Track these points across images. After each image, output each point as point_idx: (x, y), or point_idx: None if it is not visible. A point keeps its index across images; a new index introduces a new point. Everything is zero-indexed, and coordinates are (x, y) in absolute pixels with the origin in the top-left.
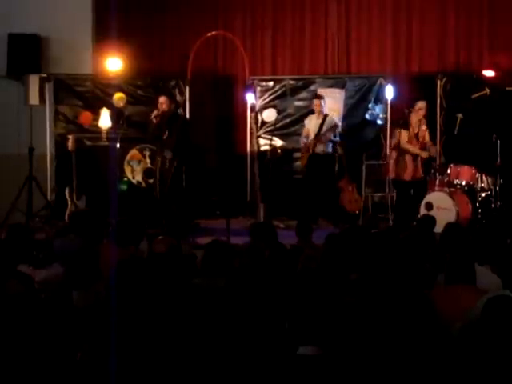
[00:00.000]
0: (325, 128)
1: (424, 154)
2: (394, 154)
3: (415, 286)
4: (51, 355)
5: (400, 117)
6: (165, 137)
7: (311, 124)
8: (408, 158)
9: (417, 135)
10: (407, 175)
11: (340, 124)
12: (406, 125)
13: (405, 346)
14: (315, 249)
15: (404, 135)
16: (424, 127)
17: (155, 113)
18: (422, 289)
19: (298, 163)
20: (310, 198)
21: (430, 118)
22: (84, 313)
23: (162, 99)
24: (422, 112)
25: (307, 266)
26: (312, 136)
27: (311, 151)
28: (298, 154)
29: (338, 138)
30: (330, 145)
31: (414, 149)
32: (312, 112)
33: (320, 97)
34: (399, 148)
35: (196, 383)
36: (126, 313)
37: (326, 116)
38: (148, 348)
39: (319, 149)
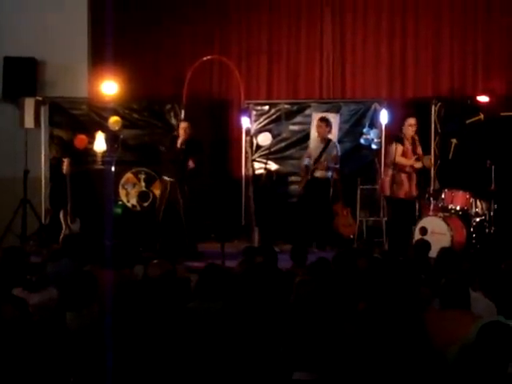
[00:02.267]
0: (325, 155)
1: (418, 165)
2: (390, 172)
3: (410, 312)
4: (45, 379)
5: (394, 134)
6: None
7: (314, 147)
8: (404, 176)
9: (414, 150)
10: (402, 193)
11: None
12: (400, 140)
13: (399, 371)
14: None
15: (399, 149)
16: (418, 144)
17: (182, 139)
18: (417, 313)
19: (293, 187)
20: (305, 222)
21: (424, 142)
22: (77, 335)
23: (185, 125)
24: (413, 128)
25: (301, 292)
26: (313, 159)
27: (310, 176)
28: (292, 178)
29: (338, 165)
30: (330, 171)
31: (408, 161)
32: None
33: (324, 120)
34: (394, 164)
35: None
36: (121, 336)
37: (329, 141)
38: (143, 372)
39: (318, 174)
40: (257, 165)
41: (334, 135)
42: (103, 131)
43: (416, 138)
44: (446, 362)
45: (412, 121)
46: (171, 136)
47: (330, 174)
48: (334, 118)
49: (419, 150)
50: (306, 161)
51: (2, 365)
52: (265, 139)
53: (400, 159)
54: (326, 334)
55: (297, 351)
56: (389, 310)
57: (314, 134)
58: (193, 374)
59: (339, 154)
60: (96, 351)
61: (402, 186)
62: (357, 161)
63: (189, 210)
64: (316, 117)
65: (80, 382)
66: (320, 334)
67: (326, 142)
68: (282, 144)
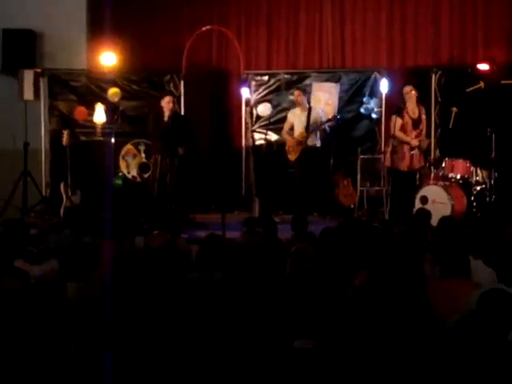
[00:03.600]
0: (313, 119)
1: (414, 143)
2: (391, 143)
3: (411, 279)
4: (46, 349)
5: (396, 105)
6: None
7: (295, 117)
8: (406, 148)
9: (416, 122)
10: (403, 166)
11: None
12: (400, 112)
13: (399, 338)
14: (310, 242)
15: (398, 123)
16: (424, 116)
17: (168, 113)
18: (419, 281)
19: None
20: (306, 192)
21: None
22: (78, 306)
23: (170, 98)
24: (410, 96)
25: (297, 260)
26: (300, 129)
27: (305, 144)
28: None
29: (328, 129)
30: (318, 137)
31: (405, 137)
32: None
33: (299, 89)
34: (394, 136)
35: (192, 377)
36: (122, 307)
37: (310, 108)
38: (143, 342)
39: (311, 142)
40: (257, 135)
41: (334, 105)
42: (103, 103)
43: (423, 110)
44: (446, 331)
45: (407, 88)
46: (154, 113)
47: (319, 141)
48: (334, 88)
49: (422, 126)
50: (288, 133)
51: (4, 336)
52: (264, 109)
53: (398, 134)
54: (323, 302)
55: (297, 320)
56: (390, 278)
57: (315, 104)
58: (193, 344)
59: (323, 118)
60: (97, 321)
61: (403, 158)
62: (357, 130)
63: (179, 185)
64: (318, 87)
65: (81, 352)
66: (318, 302)
67: (308, 110)
68: (282, 114)
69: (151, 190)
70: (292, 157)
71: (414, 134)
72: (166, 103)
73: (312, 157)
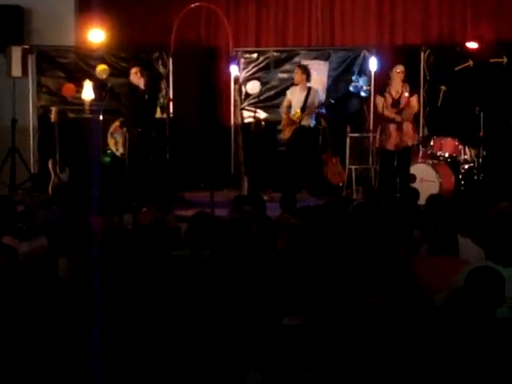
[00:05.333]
0: (311, 101)
1: (398, 118)
2: (379, 123)
3: (398, 256)
4: (35, 325)
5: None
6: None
7: (294, 96)
8: (392, 126)
9: (397, 101)
10: (390, 144)
11: (323, 96)
12: (381, 92)
13: (387, 315)
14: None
15: (378, 102)
16: (406, 94)
17: (142, 85)
18: (405, 258)
19: (282, 135)
20: (295, 171)
21: (413, 90)
22: (69, 283)
23: (136, 69)
24: (401, 76)
25: (289, 237)
26: (296, 109)
27: (298, 125)
28: (280, 127)
29: (324, 111)
30: (313, 117)
31: (390, 114)
32: (294, 83)
33: (301, 66)
34: (381, 116)
35: (180, 355)
36: (110, 284)
37: (310, 88)
38: (132, 319)
39: (305, 122)
40: (246, 113)
41: (323, 83)
42: (91, 80)
43: (404, 88)
44: (434, 308)
45: (400, 68)
46: (128, 85)
47: (314, 121)
48: (323, 66)
49: (403, 101)
50: (285, 110)
51: None
52: (254, 87)
53: (382, 112)
54: (313, 279)
55: (286, 296)
56: (376, 254)
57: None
58: (182, 322)
59: (322, 100)
60: (87, 298)
61: (389, 137)
62: (346, 109)
63: (164, 161)
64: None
65: (71, 328)
66: (308, 278)
67: (307, 90)
68: (271, 92)
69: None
70: (285, 135)
71: (394, 111)
72: (133, 74)
73: (304, 137)
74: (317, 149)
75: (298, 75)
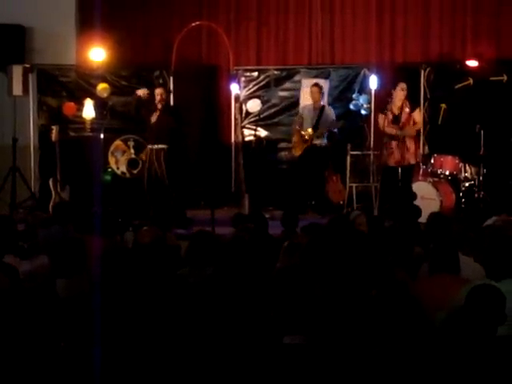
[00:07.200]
0: (322, 122)
1: (399, 133)
2: (383, 140)
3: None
4: (35, 344)
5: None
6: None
7: (307, 114)
8: (394, 143)
9: (397, 118)
10: (391, 161)
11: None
12: (382, 110)
13: (388, 335)
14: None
15: (380, 119)
16: (407, 110)
17: (161, 106)
18: (406, 277)
19: (283, 153)
20: (299, 189)
21: (413, 108)
22: (68, 302)
23: (161, 90)
24: (404, 93)
25: (289, 255)
26: (309, 126)
27: (310, 143)
28: (282, 145)
29: (336, 130)
30: (325, 136)
31: (392, 130)
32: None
33: (317, 85)
34: (383, 133)
35: (182, 373)
36: (111, 303)
37: (323, 107)
38: (133, 338)
39: (317, 141)
40: (246, 131)
41: (323, 101)
42: (92, 98)
43: (407, 104)
44: (434, 326)
45: (404, 85)
46: (144, 103)
47: (325, 140)
48: (324, 84)
49: (404, 117)
50: (297, 127)
51: None
52: (254, 106)
53: (386, 129)
54: (314, 298)
55: (287, 315)
56: (377, 274)
57: (305, 100)
58: (183, 340)
59: (335, 119)
60: (86, 317)
61: (391, 153)
62: (346, 127)
63: (172, 178)
64: (308, 83)
65: (70, 348)
66: (308, 297)
67: (321, 108)
68: (272, 110)
69: (144, 185)
70: (296, 152)
71: (395, 127)
72: (158, 95)
73: (315, 156)
74: (326, 168)
75: (315, 94)
